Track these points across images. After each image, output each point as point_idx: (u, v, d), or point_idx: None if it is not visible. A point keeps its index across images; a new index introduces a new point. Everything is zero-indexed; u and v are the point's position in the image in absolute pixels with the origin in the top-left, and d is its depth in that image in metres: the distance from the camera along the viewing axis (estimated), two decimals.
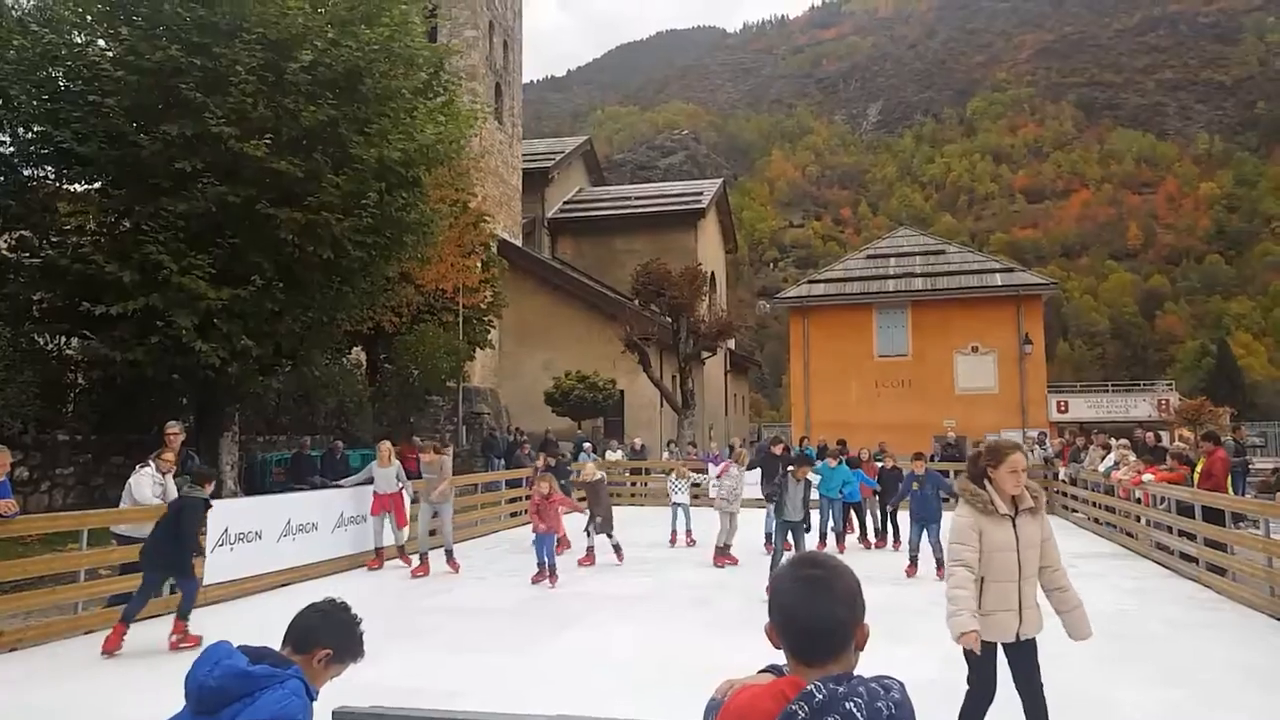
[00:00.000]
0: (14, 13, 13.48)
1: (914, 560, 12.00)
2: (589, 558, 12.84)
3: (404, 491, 13.05)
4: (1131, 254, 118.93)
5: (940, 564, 10.94)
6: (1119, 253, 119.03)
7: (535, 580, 11.28)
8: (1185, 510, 11.56)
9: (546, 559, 11.37)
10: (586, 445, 25.16)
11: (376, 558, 12.68)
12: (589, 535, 13.03)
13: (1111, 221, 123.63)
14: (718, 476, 13.99)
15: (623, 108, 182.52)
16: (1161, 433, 21.15)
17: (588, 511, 13.50)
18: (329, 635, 2.51)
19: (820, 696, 1.65)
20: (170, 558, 7.89)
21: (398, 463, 12.93)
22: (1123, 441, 16.14)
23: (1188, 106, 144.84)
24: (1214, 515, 10.81)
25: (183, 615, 7.93)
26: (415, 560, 12.26)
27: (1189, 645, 8.14)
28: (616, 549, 12.90)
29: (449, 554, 12.33)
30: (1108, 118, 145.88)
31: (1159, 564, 12.52)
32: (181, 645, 7.70)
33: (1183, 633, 8.61)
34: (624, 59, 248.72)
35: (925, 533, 11.86)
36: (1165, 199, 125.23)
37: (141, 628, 7.98)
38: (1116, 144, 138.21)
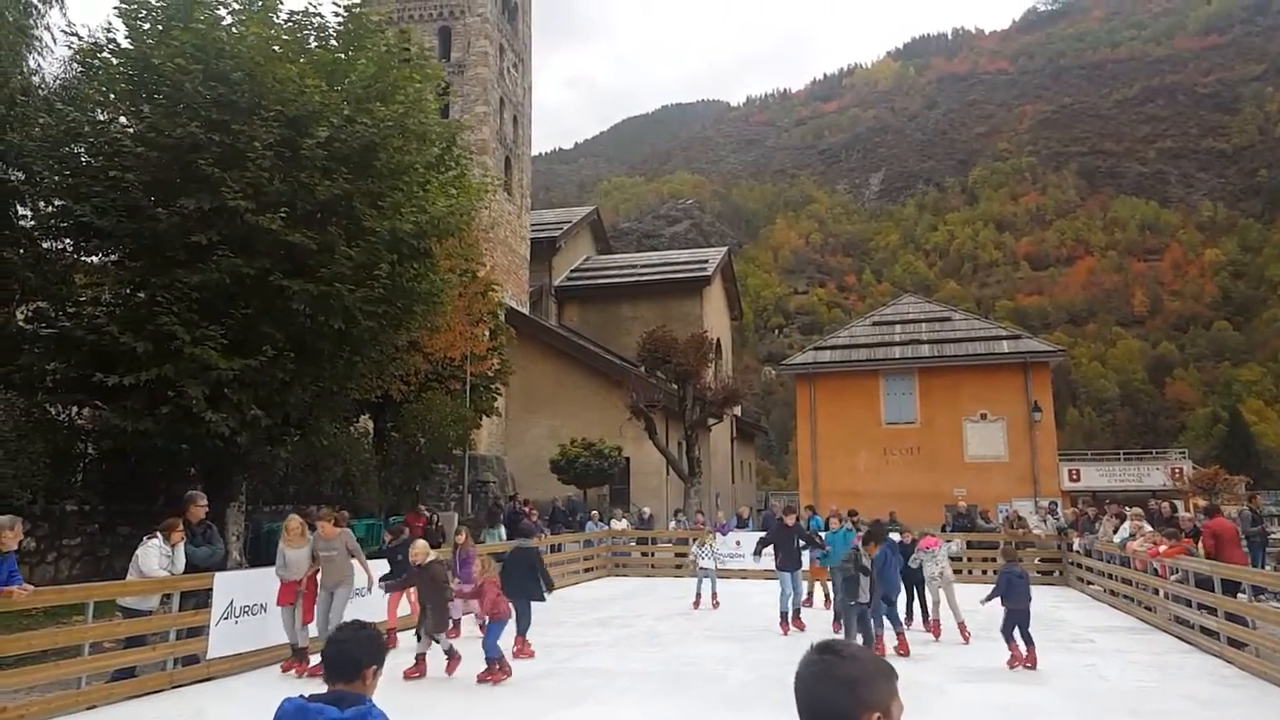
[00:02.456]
0: (40, 92, 13.89)
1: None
2: (417, 667, 9.61)
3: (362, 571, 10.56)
4: (1139, 320, 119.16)
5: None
6: (1126, 319, 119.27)
7: (482, 678, 9.31)
8: (1204, 582, 11.37)
9: (494, 648, 9.47)
10: (594, 514, 25.00)
11: (295, 658, 10.03)
12: (418, 639, 9.85)
13: (1117, 288, 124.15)
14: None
15: (629, 178, 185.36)
16: (1177, 502, 20.95)
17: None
18: (368, 654, 2.78)
19: None
20: (529, 589, 10.58)
21: (315, 538, 10.21)
22: (1136, 511, 15.95)
23: (1189, 174, 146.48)
24: (1233, 587, 10.63)
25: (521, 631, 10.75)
26: (315, 659, 9.45)
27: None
28: (449, 654, 9.67)
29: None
30: (1110, 186, 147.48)
31: (1178, 638, 12.28)
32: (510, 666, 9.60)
33: (1206, 711, 8.41)
34: (630, 131, 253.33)
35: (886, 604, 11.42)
36: (1171, 265, 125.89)
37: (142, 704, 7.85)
38: (1120, 211, 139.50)
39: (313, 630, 10.06)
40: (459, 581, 10.80)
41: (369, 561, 10.75)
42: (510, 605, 9.95)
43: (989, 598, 11.16)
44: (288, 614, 10.03)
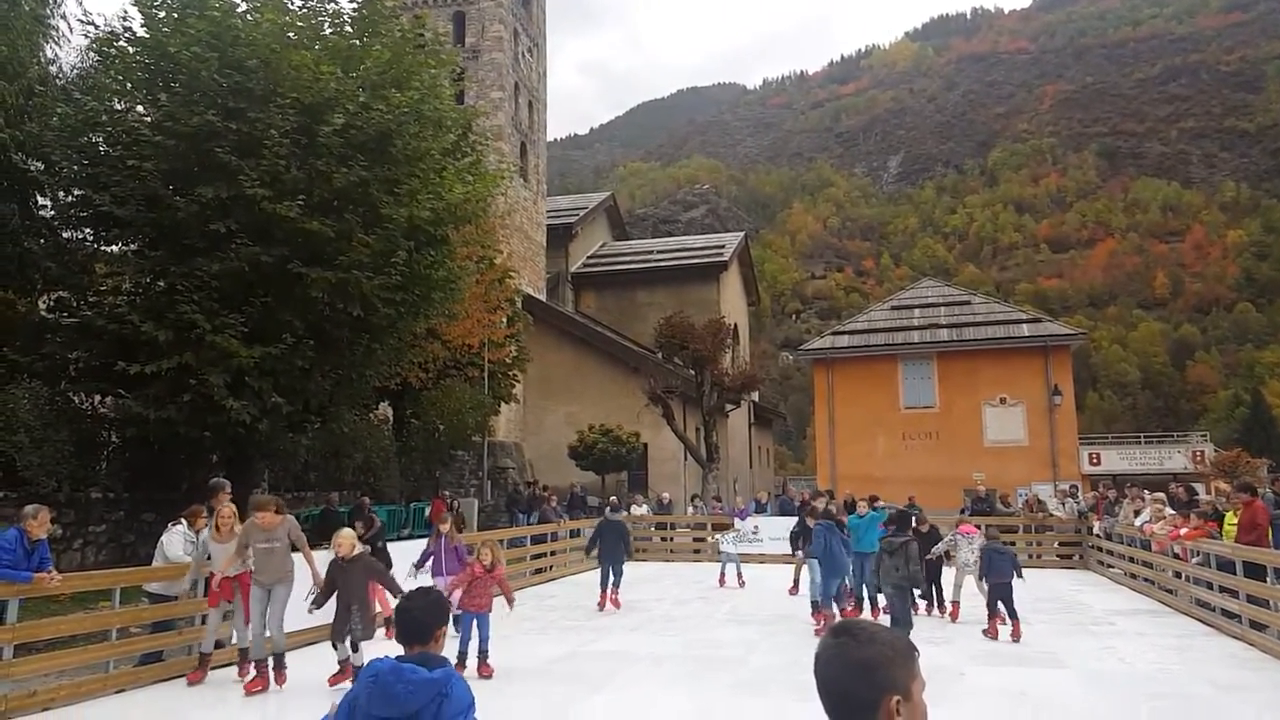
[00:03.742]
0: (58, 81, 13.98)
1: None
2: (340, 676, 8.33)
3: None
4: (1160, 303, 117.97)
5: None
6: (1147, 302, 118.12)
7: (484, 673, 8.93)
8: (1226, 565, 11.30)
9: (470, 643, 9.06)
10: (613, 500, 25.05)
11: (201, 666, 8.81)
12: (335, 648, 8.46)
13: (1138, 270, 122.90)
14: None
15: (645, 164, 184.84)
16: (1196, 485, 20.79)
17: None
18: (437, 619, 3.05)
19: None
20: (620, 553, 13.64)
21: (249, 528, 8.86)
22: (1157, 496, 15.84)
23: (1212, 154, 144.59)
24: (1256, 570, 10.55)
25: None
26: (252, 671, 8.49)
27: (1234, 707, 7.91)
28: (344, 664, 8.38)
29: (275, 660, 8.54)
30: (1131, 167, 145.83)
31: (1200, 621, 12.21)
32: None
33: (1227, 694, 8.36)
34: (645, 116, 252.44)
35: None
36: (1192, 247, 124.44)
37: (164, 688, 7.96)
38: (1141, 193, 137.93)
39: (249, 635, 8.56)
40: (441, 574, 10.76)
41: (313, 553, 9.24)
42: (491, 600, 9.37)
43: (979, 576, 11.67)
44: (216, 616, 8.89)
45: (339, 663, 8.45)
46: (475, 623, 9.08)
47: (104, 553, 14.21)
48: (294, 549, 8.79)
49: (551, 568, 18.65)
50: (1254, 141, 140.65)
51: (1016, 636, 10.84)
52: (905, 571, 10.37)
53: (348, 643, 8.33)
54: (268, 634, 8.52)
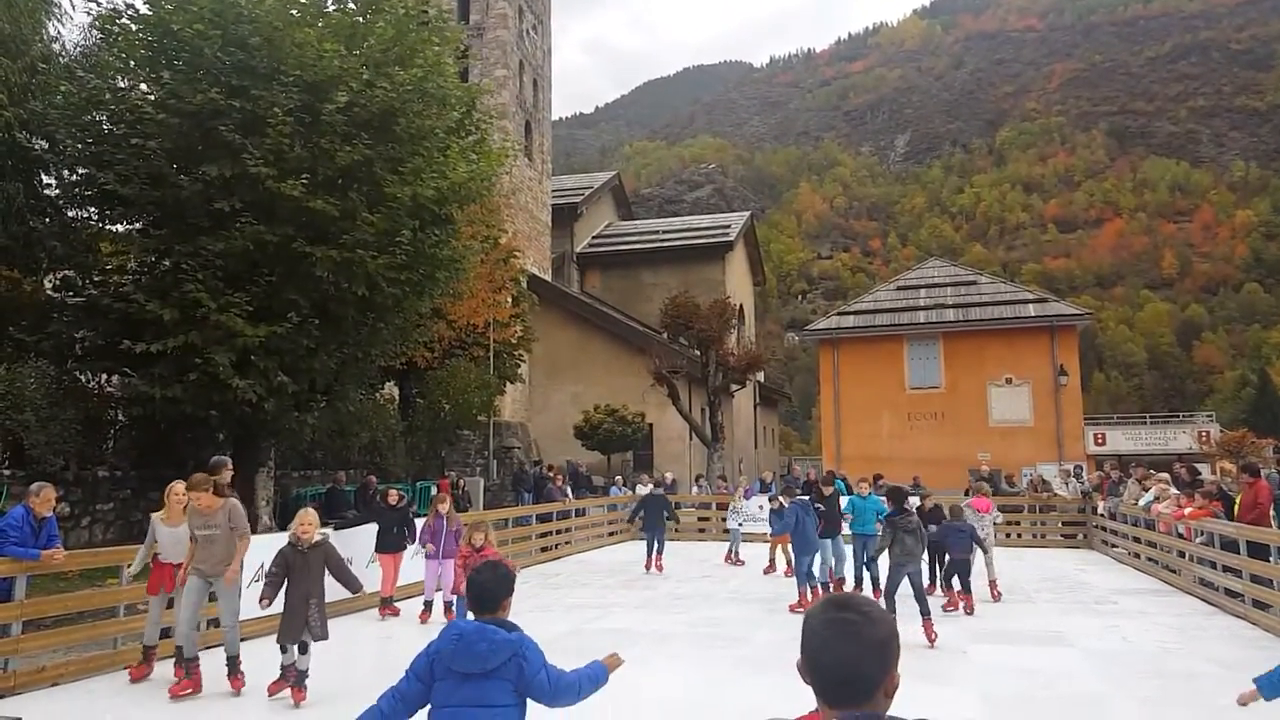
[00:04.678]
0: (61, 59, 13.93)
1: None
2: (282, 682, 7.31)
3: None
4: (1167, 283, 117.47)
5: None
6: (1154, 282, 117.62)
7: None
8: (1229, 545, 11.30)
9: None
10: (617, 479, 25.13)
11: (145, 661, 7.99)
12: (283, 650, 7.27)
13: (1146, 250, 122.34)
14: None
15: (650, 143, 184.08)
16: (1200, 466, 20.76)
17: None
18: (505, 589, 3.43)
19: None
20: (662, 523, 15.91)
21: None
22: (1162, 476, 15.83)
23: (1221, 134, 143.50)
24: (1259, 550, 10.56)
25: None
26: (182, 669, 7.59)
27: (1236, 684, 7.91)
28: (294, 676, 7.25)
29: (231, 663, 7.56)
30: (1140, 146, 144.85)
31: (1203, 600, 12.23)
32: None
33: (1230, 672, 8.37)
34: (651, 95, 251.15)
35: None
36: (1201, 227, 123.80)
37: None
38: (1149, 172, 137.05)
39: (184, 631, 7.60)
40: (432, 550, 10.76)
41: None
42: None
43: (934, 551, 12.25)
44: (157, 605, 8.06)
45: (281, 668, 7.24)
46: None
47: (111, 530, 14.31)
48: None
49: (557, 546, 18.72)
50: (1264, 120, 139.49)
51: (970, 609, 11.35)
52: (922, 548, 10.38)
53: (295, 647, 7.15)
54: (223, 629, 7.70)
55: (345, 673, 8.15)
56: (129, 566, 8.41)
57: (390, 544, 11.57)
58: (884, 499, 11.74)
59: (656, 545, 15.76)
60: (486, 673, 3.19)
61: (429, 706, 3.26)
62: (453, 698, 3.21)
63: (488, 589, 3.38)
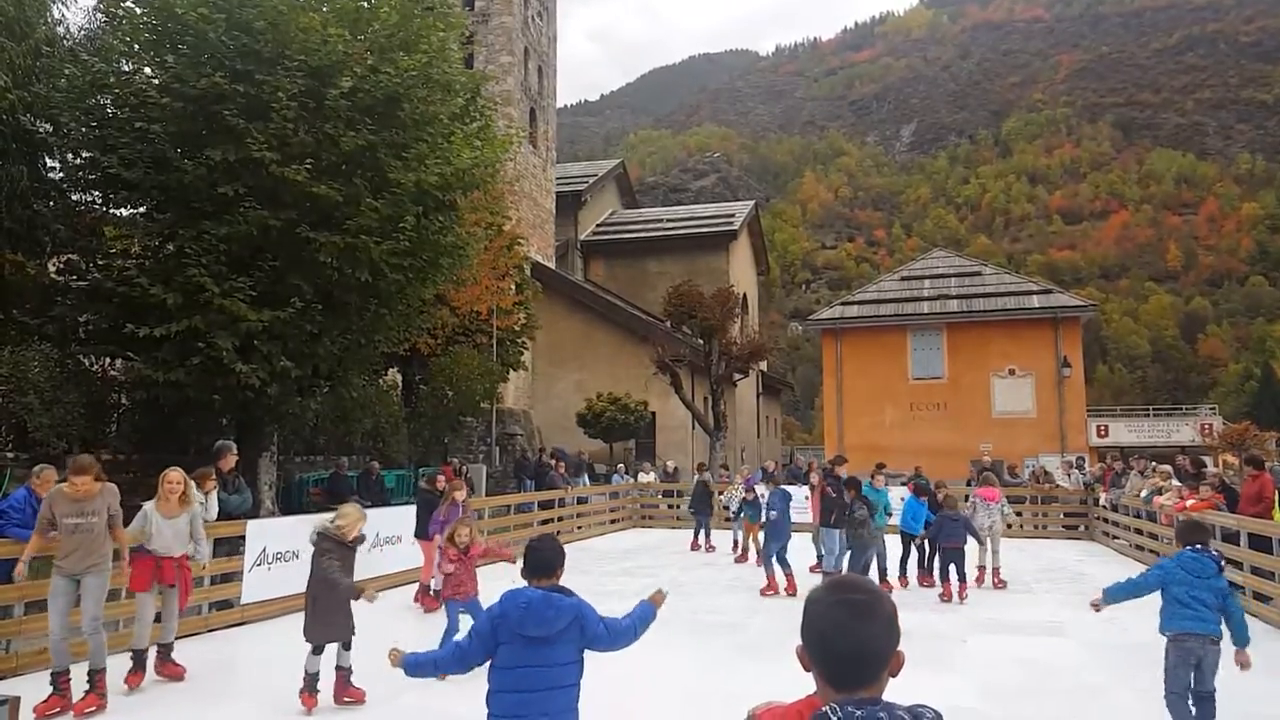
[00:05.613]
0: (65, 43, 13.89)
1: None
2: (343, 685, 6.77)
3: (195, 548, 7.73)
4: (1172, 276, 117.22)
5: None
6: (1159, 274, 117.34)
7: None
8: (1230, 537, 11.30)
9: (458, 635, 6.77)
10: (619, 467, 25.15)
11: (137, 669, 7.32)
12: (340, 653, 6.78)
13: (1151, 243, 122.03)
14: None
15: (655, 131, 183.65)
16: (1204, 458, 20.76)
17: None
18: (560, 558, 3.77)
19: (834, 719, 1.66)
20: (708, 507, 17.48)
21: (202, 502, 8.06)
22: (1164, 469, 15.83)
23: (1228, 126, 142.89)
24: (1261, 542, 10.56)
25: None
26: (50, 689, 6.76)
27: (1239, 677, 7.93)
28: (345, 673, 6.77)
29: (92, 678, 6.74)
30: (1146, 138, 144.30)
31: None
32: None
33: (1228, 664, 8.39)
34: (656, 83, 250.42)
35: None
36: (1206, 220, 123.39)
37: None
38: (1155, 164, 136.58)
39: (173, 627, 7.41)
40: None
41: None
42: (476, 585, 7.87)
43: (923, 536, 12.66)
44: (145, 601, 7.48)
45: (339, 669, 6.71)
46: (462, 613, 7.56)
47: None
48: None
49: (559, 534, 18.77)
50: (1271, 113, 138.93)
51: (963, 598, 11.65)
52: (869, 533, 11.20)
53: (340, 645, 6.71)
54: (85, 635, 6.75)
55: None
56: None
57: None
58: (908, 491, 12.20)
59: (704, 529, 17.49)
60: (552, 636, 3.51)
61: (495, 668, 3.56)
62: (520, 659, 3.51)
63: (545, 557, 3.70)
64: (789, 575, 12.00)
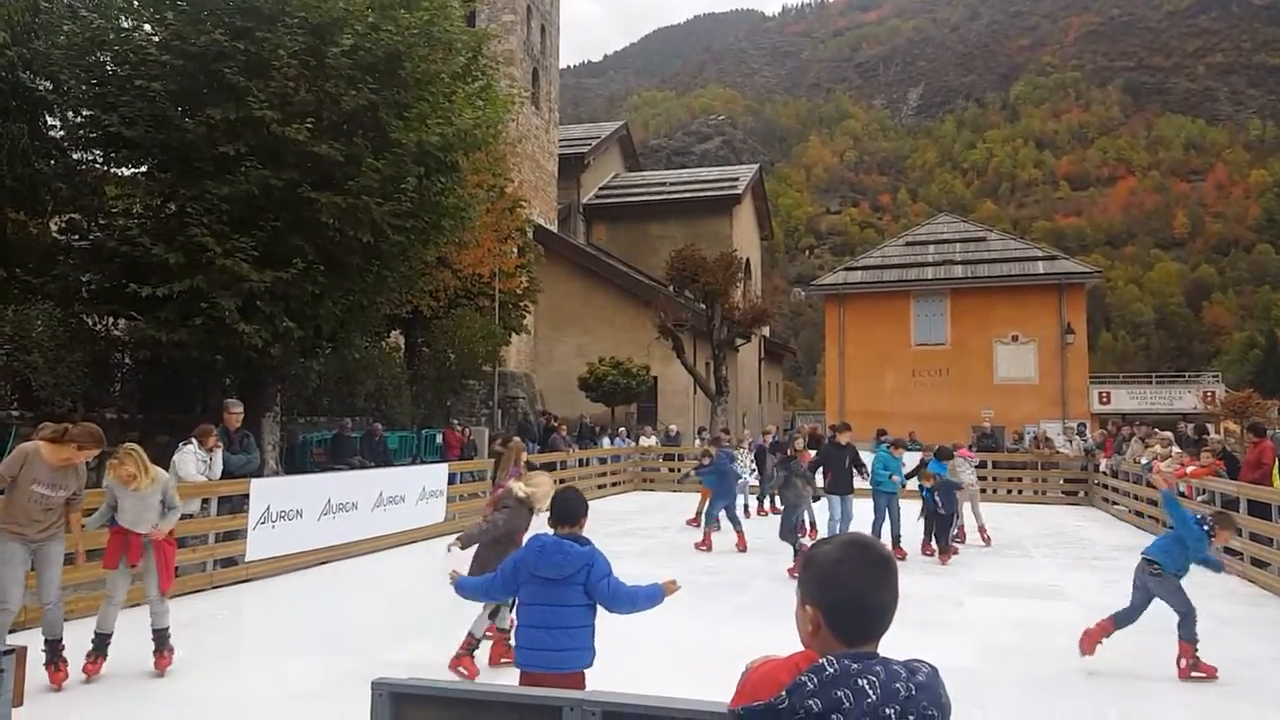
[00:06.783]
0: None
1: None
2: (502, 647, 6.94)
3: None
4: (1178, 243, 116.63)
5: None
6: (1165, 241, 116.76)
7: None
8: (1230, 503, 11.36)
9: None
10: (621, 430, 25.25)
11: (95, 657, 6.71)
12: (492, 617, 6.74)
13: (1158, 209, 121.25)
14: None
15: (659, 92, 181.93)
16: (1208, 425, 20.77)
17: None
18: (583, 508, 4.20)
19: (831, 670, 1.67)
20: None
21: (168, 479, 7.18)
22: (1164, 436, 15.87)
23: (1239, 91, 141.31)
24: (1260, 509, 10.61)
25: None
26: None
27: (1233, 641, 8.02)
28: (504, 635, 6.81)
29: (51, 648, 6.41)
30: (1156, 103, 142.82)
31: None
32: None
33: (1227, 628, 8.47)
34: (660, 43, 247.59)
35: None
36: (1214, 186, 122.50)
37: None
38: (1164, 130, 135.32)
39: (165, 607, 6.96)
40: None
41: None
42: None
43: (931, 504, 12.51)
44: (115, 580, 6.94)
45: (476, 637, 6.62)
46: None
47: None
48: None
49: None
50: None
51: (945, 560, 11.95)
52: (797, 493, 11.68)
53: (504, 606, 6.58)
54: (44, 606, 6.48)
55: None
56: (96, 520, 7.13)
57: None
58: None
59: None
60: (563, 578, 3.92)
61: (519, 604, 4.13)
62: (537, 597, 3.99)
63: (570, 506, 4.14)
64: (739, 533, 12.92)
